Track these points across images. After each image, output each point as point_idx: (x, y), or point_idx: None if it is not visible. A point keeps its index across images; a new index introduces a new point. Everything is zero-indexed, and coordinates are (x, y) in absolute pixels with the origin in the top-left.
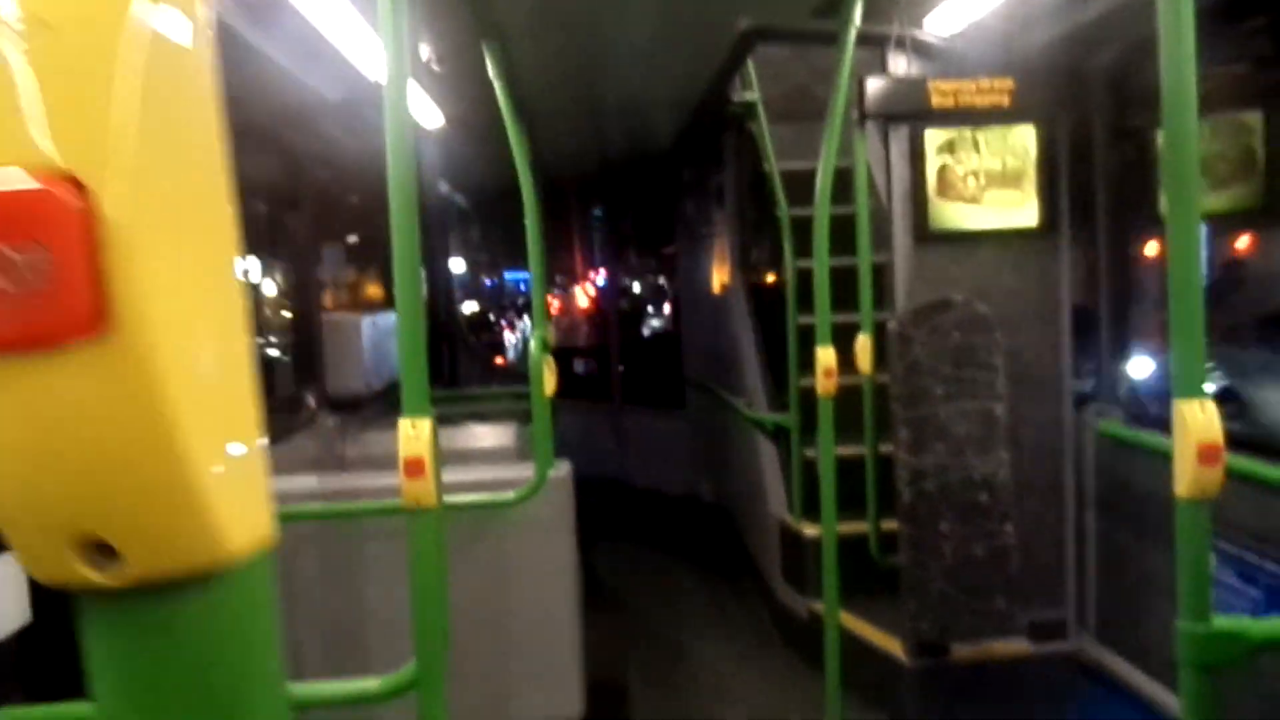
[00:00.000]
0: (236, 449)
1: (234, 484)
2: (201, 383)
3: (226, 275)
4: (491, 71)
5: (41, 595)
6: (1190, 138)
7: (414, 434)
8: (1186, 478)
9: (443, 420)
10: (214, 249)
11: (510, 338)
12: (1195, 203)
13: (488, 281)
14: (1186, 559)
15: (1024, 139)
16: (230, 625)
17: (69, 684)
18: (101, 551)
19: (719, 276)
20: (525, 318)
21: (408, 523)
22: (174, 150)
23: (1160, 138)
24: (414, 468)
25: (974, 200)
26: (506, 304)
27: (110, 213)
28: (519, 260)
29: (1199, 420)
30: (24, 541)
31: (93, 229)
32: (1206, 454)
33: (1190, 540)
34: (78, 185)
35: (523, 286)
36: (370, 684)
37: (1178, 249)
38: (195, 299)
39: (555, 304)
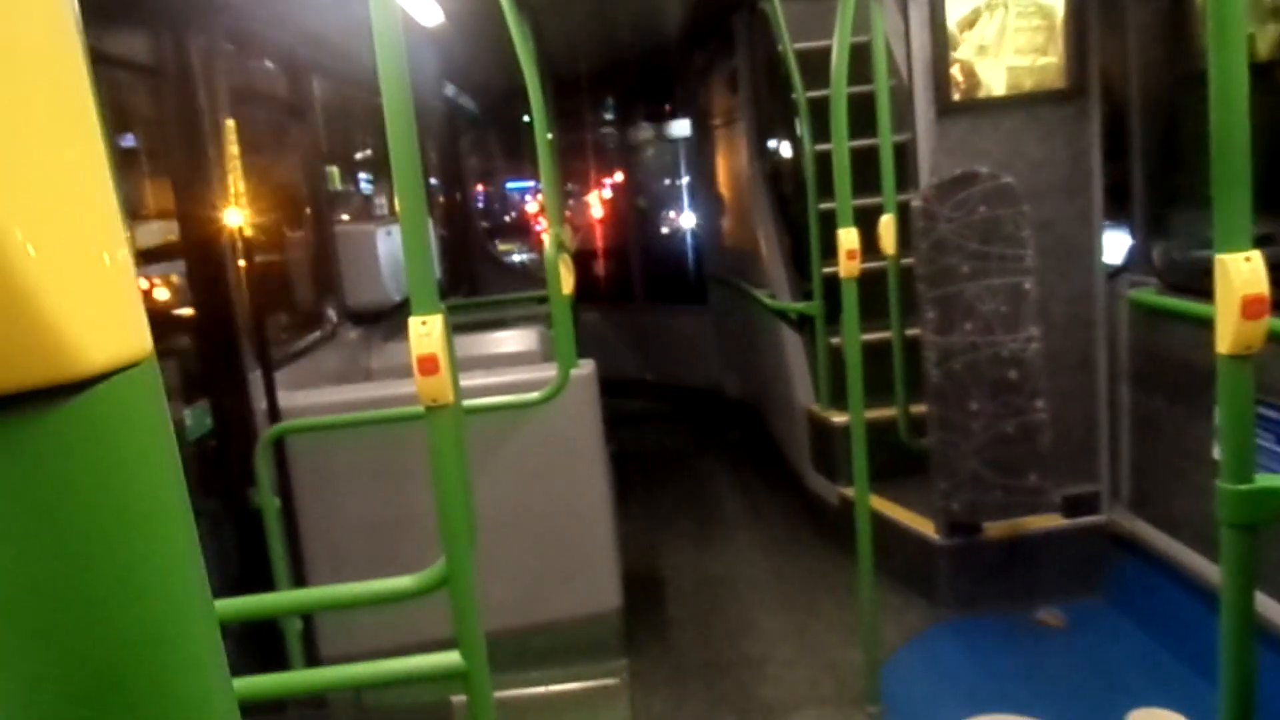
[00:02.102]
0: (86, 256)
1: (86, 293)
2: (38, 183)
3: (69, 71)
4: None
5: None
6: None
7: (424, 331)
8: (1229, 332)
9: (464, 328)
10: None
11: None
12: (1240, 46)
13: (481, 196)
14: (1229, 418)
15: None
16: (100, 446)
17: None
18: None
19: (737, 166)
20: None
21: (427, 421)
22: None
23: None
24: (427, 365)
25: (998, 68)
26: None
27: None
28: (526, 169)
29: (1243, 272)
30: None
31: None
32: (1251, 307)
33: (1233, 398)
34: None
35: (529, 198)
36: (403, 582)
37: (1221, 96)
38: (29, 92)
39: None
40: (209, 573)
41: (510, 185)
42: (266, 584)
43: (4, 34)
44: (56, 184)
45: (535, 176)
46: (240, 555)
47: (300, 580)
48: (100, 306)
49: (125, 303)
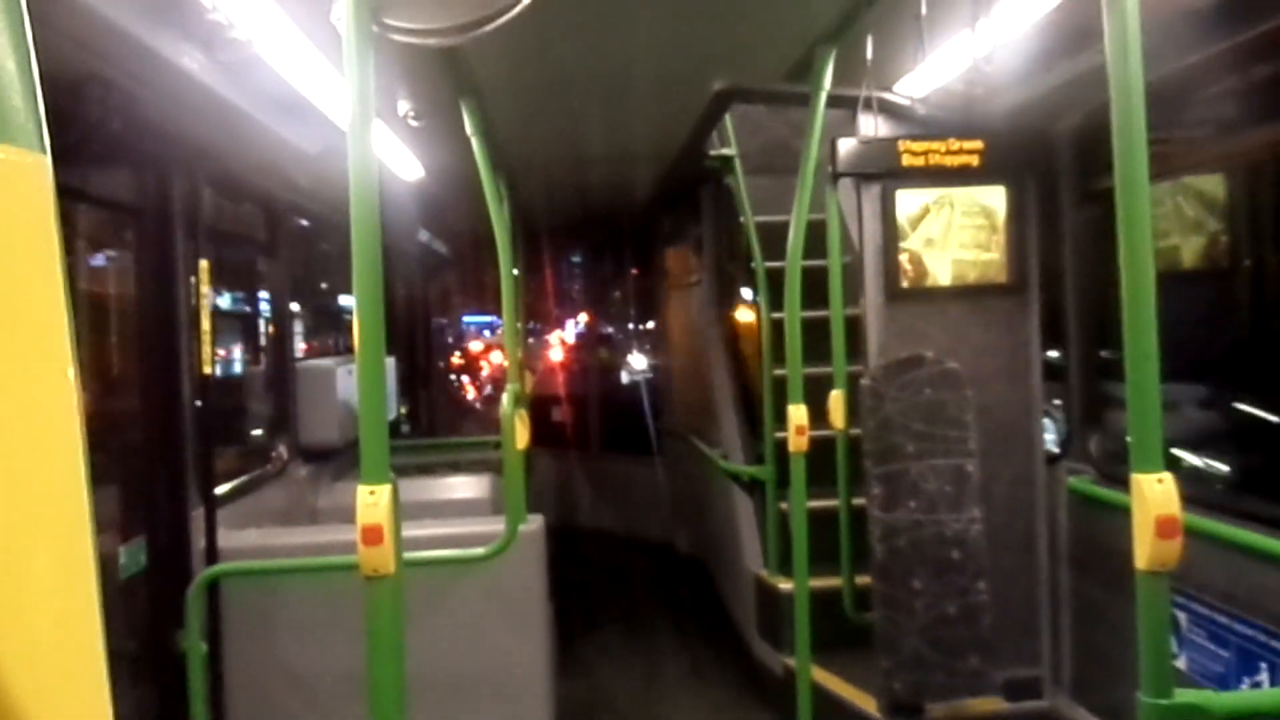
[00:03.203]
0: (75, 684)
1: (54, 671)
2: (36, 625)
3: (69, 501)
4: (469, 128)
5: None
6: (1142, 200)
7: (372, 501)
8: (1145, 550)
9: (419, 470)
10: (50, 467)
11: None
12: (1149, 268)
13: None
14: (1148, 631)
15: (994, 199)
16: None
17: None
18: None
19: (696, 327)
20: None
21: (365, 590)
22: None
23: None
24: (372, 535)
25: (944, 260)
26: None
27: None
28: (487, 305)
29: (1156, 493)
30: None
31: None
32: (1165, 527)
33: (1151, 612)
34: None
35: (486, 332)
36: None
37: (1133, 318)
38: (26, 531)
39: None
40: (123, 717)
41: (468, 320)
42: None
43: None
44: (53, 635)
45: (495, 313)
46: (160, 703)
47: None
48: (66, 681)
49: (91, 672)
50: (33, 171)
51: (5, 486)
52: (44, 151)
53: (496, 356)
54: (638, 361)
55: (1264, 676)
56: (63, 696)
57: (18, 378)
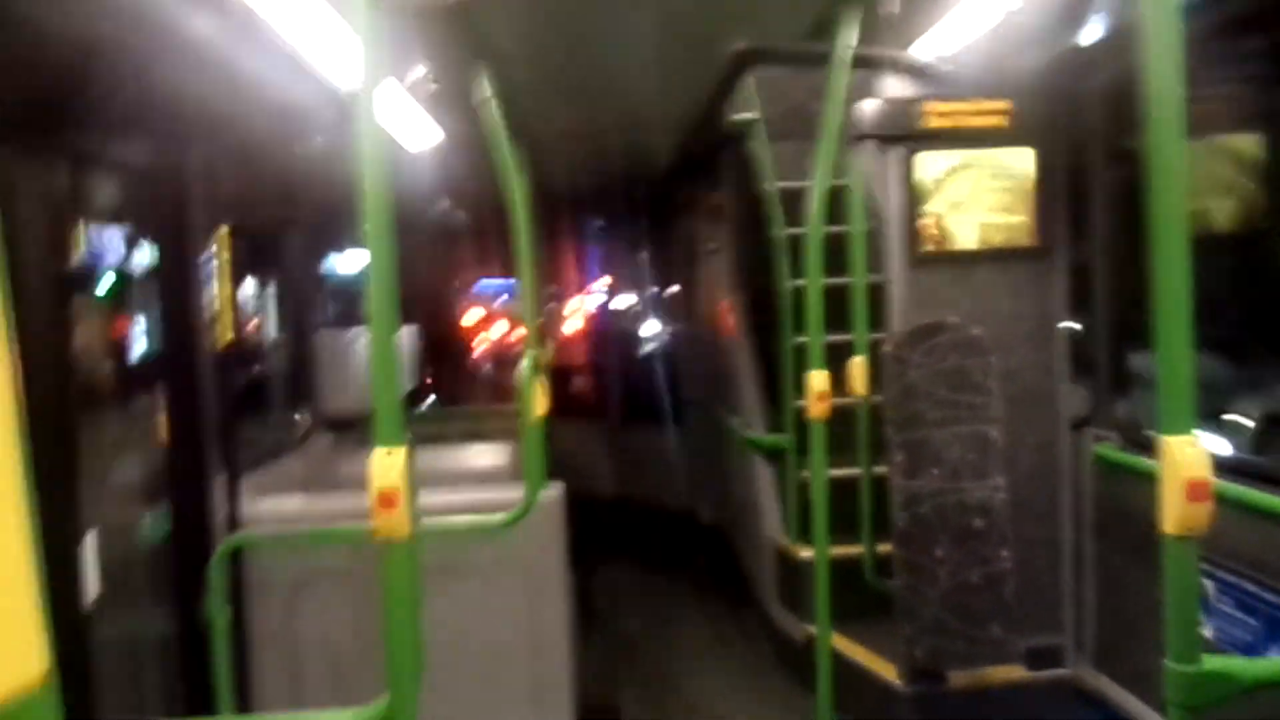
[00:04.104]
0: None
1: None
2: None
3: None
4: (486, 93)
5: None
6: (1177, 164)
7: (387, 463)
8: (1174, 515)
9: (438, 439)
10: None
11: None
12: (1182, 232)
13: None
14: (1175, 597)
15: (1021, 161)
16: None
17: None
18: None
19: (717, 295)
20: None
21: (381, 554)
22: None
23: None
24: (387, 499)
25: (969, 224)
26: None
27: None
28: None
29: (1187, 456)
30: None
31: None
32: (1195, 490)
33: (1179, 578)
34: None
35: (505, 296)
36: (342, 715)
37: (1165, 279)
38: None
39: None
40: (148, 687)
41: (485, 283)
42: (208, 702)
43: None
44: None
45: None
46: (185, 670)
47: (246, 700)
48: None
49: (22, 625)
50: None
51: None
52: None
53: (500, 328)
54: (658, 330)
55: None
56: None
57: None
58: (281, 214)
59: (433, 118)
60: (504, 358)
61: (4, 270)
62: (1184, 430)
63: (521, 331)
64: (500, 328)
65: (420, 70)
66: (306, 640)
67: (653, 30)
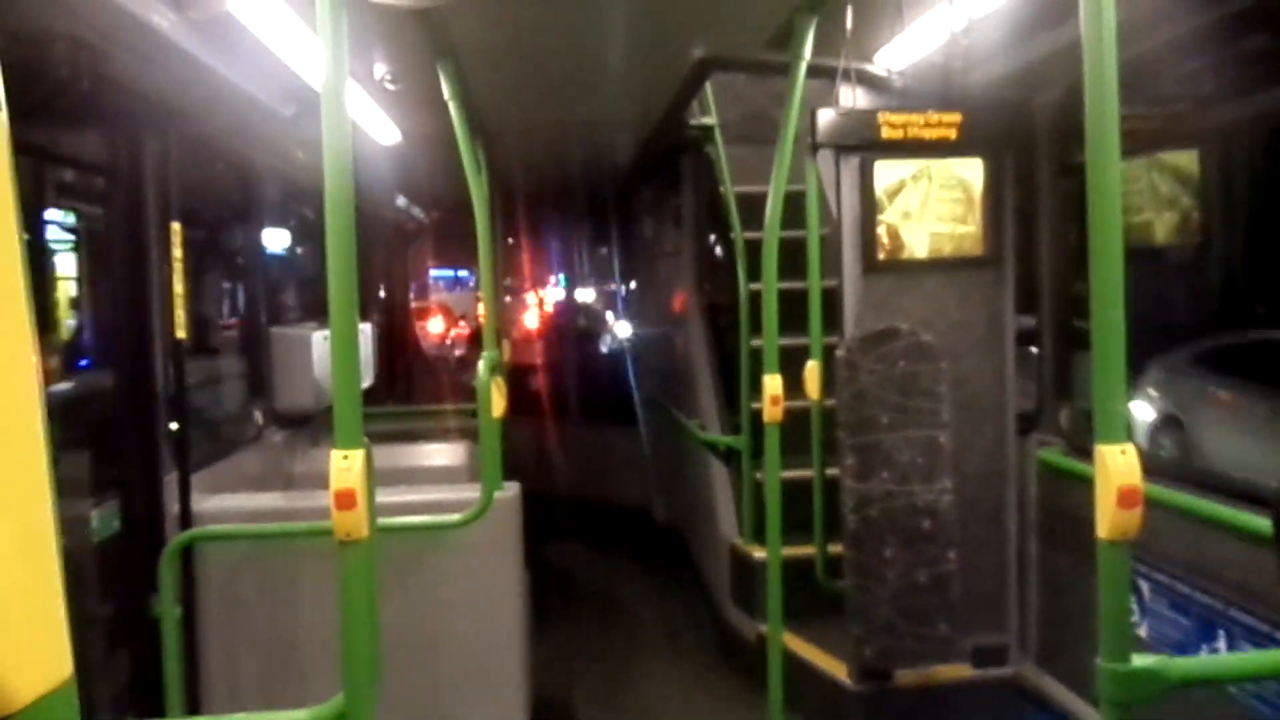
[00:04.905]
0: (18, 594)
1: (16, 629)
2: None
3: (29, 469)
4: (446, 91)
5: None
6: (1112, 176)
7: (346, 465)
8: (1107, 520)
9: (396, 437)
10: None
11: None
12: (1117, 244)
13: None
14: (1108, 599)
15: (971, 171)
16: None
17: None
18: None
19: (676, 296)
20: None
21: (338, 554)
22: None
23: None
24: (345, 500)
25: (921, 233)
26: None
27: None
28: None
29: (1119, 463)
30: None
31: None
32: (1126, 497)
33: (1111, 580)
34: None
35: (458, 288)
36: (296, 716)
37: (1100, 288)
38: None
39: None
40: (96, 685)
41: (435, 274)
42: (157, 700)
43: None
44: None
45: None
46: (132, 667)
47: (196, 700)
48: (27, 639)
49: (51, 629)
50: None
51: None
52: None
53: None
54: (616, 330)
55: (1221, 644)
56: (24, 657)
57: None
58: (235, 209)
59: (391, 117)
60: (444, 353)
61: (25, 269)
62: (1117, 439)
63: (461, 329)
64: (437, 324)
65: (381, 68)
66: (259, 638)
67: (615, 33)
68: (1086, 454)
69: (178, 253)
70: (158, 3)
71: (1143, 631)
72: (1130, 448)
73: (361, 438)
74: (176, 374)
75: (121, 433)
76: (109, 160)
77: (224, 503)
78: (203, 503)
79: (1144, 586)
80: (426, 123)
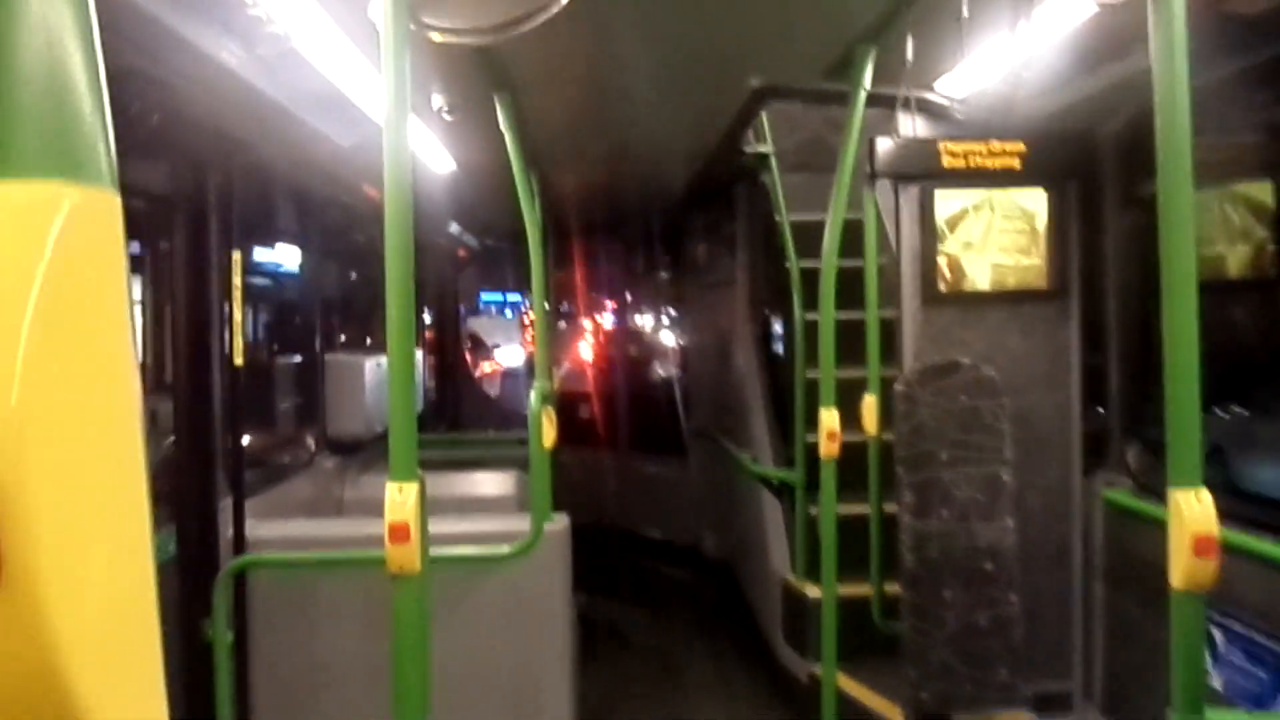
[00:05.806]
0: (130, 674)
1: (128, 708)
2: (94, 619)
3: (125, 488)
4: (503, 122)
5: None
6: (1186, 212)
7: (400, 499)
8: (1181, 568)
9: (445, 465)
10: (113, 474)
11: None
12: (1191, 277)
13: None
14: (1180, 649)
15: (1035, 202)
16: None
17: None
18: None
19: (730, 325)
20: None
21: (392, 587)
22: (76, 398)
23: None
24: (399, 533)
25: (983, 264)
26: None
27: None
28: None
29: (1194, 510)
30: None
31: None
32: (1202, 545)
33: (1185, 631)
34: None
35: (507, 312)
36: None
37: (1174, 331)
38: (89, 534)
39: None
40: None
41: (485, 299)
42: None
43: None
44: (111, 612)
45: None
46: (187, 693)
47: None
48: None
49: (149, 673)
50: (103, 210)
51: (76, 491)
52: (114, 188)
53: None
54: (669, 358)
55: None
56: (118, 684)
57: (90, 404)
58: (296, 239)
59: (447, 147)
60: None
61: (127, 293)
62: (1192, 483)
63: (494, 364)
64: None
65: (438, 99)
66: (310, 665)
67: (671, 65)
68: (1155, 494)
69: (237, 280)
70: (225, 40)
71: (1216, 683)
72: (1205, 494)
73: (416, 470)
74: (233, 400)
75: (178, 457)
76: (174, 190)
77: (277, 529)
78: (256, 528)
79: (1217, 635)
80: (481, 152)
